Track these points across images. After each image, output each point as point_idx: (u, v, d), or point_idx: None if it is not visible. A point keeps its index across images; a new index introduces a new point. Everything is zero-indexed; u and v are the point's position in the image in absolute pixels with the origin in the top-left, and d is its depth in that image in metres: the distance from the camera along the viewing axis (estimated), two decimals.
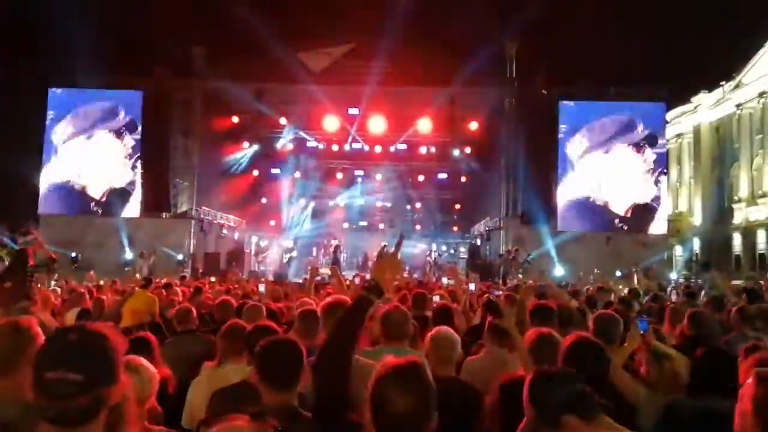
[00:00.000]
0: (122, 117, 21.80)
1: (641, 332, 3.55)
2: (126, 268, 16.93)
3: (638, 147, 21.75)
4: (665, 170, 22.95)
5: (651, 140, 21.81)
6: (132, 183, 21.69)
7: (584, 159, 21.76)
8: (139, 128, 21.69)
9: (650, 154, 21.82)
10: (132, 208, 21.61)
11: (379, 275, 2.22)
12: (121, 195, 21.63)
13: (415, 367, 1.83)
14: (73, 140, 21.89)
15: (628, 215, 21.63)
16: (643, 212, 21.68)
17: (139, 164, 21.69)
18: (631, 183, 21.75)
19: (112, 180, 21.71)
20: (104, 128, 21.82)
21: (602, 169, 21.72)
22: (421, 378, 1.82)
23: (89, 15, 20.34)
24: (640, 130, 21.71)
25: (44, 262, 7.44)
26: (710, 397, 2.73)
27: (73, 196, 21.72)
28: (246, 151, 25.48)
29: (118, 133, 21.79)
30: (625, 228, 21.52)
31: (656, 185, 21.88)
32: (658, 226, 21.89)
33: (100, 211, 21.60)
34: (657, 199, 21.88)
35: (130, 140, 21.73)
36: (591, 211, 21.65)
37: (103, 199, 21.67)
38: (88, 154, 21.76)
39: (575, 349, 2.77)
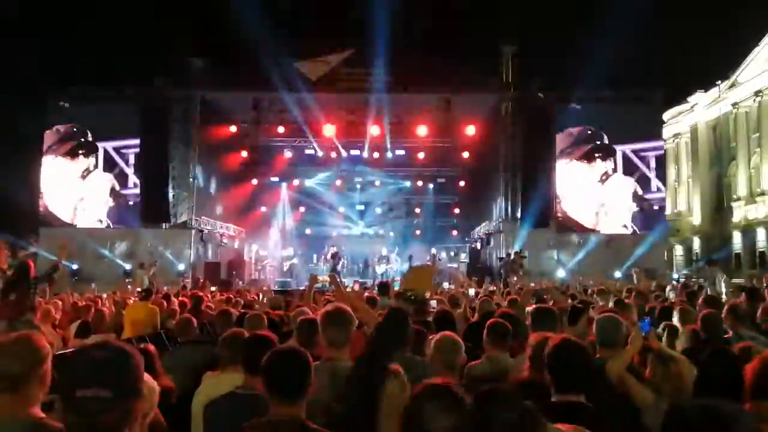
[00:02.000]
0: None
1: (643, 334, 3.55)
2: (127, 280, 16.90)
3: (588, 158, 21.77)
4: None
5: (603, 152, 21.79)
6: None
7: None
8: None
9: (601, 165, 21.85)
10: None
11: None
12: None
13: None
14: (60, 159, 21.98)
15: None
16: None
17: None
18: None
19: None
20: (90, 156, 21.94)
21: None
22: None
23: (88, 26, 20.43)
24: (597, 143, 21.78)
25: (46, 273, 7.42)
26: (717, 398, 2.73)
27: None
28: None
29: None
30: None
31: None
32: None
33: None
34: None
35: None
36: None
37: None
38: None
39: (558, 351, 2.79)
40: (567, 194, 21.87)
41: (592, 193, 21.82)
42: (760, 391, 2.59)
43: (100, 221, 21.72)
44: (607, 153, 21.87)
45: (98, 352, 1.54)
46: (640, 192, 21.90)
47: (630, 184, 21.88)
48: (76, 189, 21.82)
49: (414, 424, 1.76)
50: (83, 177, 21.91)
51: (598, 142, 21.84)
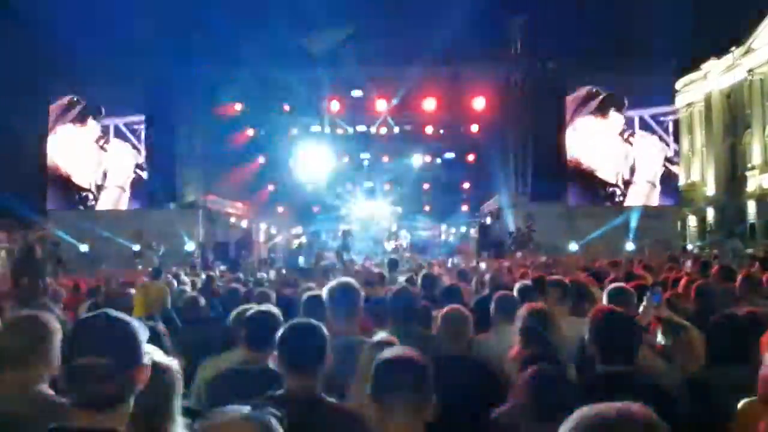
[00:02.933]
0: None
1: (654, 304, 3.50)
2: (136, 260, 17.04)
3: (601, 113, 21.34)
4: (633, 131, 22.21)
5: (614, 103, 21.39)
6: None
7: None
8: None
9: (616, 116, 21.43)
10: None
11: None
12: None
13: (408, 355, 1.96)
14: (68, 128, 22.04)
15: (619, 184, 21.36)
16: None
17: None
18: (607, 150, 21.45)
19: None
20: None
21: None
22: (417, 364, 1.92)
23: (86, 6, 20.20)
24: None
25: (50, 253, 7.48)
26: (729, 366, 2.69)
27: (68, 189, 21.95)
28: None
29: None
30: (623, 198, 21.29)
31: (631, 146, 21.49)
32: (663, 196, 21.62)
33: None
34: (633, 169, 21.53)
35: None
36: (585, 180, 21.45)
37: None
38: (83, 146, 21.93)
39: (603, 321, 2.72)
40: (586, 153, 21.49)
41: (614, 148, 21.45)
42: None
43: (123, 189, 21.75)
44: (620, 104, 21.52)
45: (97, 321, 1.54)
46: (669, 154, 21.60)
47: (656, 143, 21.52)
48: (95, 157, 21.84)
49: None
50: (101, 147, 21.91)
51: (607, 95, 21.52)
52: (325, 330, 2.40)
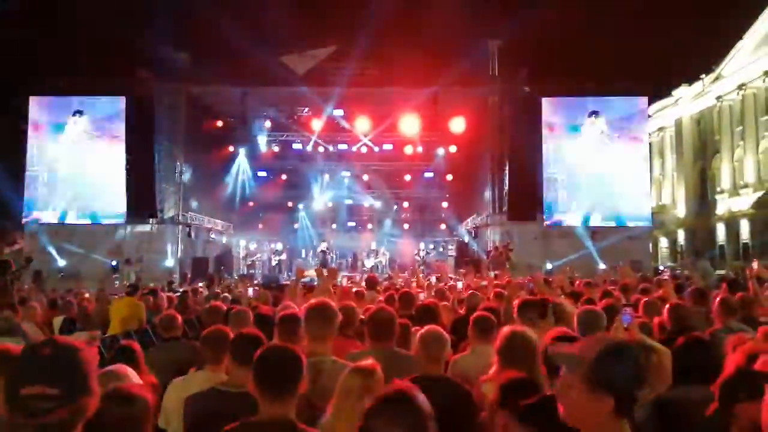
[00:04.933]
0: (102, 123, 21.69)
1: (624, 325, 3.59)
2: (114, 275, 16.78)
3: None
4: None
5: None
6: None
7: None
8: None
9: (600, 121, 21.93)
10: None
11: None
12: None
13: (406, 396, 1.71)
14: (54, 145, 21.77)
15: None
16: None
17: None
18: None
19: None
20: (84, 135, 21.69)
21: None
22: (414, 407, 1.70)
23: (71, 20, 20.15)
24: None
25: (21, 267, 7.35)
26: (695, 387, 2.77)
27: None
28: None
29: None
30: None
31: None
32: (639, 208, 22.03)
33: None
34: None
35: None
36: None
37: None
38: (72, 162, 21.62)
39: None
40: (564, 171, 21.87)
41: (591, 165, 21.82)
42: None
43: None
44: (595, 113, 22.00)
45: (44, 349, 1.47)
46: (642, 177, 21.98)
47: (630, 164, 21.89)
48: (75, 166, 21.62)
49: None
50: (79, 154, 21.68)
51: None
52: (300, 354, 2.40)
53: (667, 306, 4.79)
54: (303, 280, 8.41)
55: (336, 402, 2.45)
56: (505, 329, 3.19)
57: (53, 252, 19.39)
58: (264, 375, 2.29)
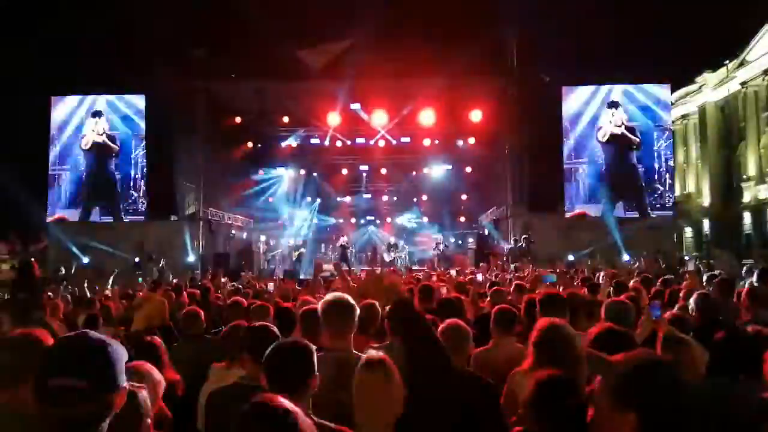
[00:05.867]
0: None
1: (653, 319, 3.51)
2: (137, 272, 17.00)
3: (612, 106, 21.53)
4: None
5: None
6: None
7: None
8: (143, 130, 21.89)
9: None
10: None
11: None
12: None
13: (269, 409, 1.61)
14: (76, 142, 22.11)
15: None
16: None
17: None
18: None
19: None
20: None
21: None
22: (277, 420, 1.59)
23: (89, 18, 20.37)
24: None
25: (56, 274, 7.48)
26: (726, 379, 2.70)
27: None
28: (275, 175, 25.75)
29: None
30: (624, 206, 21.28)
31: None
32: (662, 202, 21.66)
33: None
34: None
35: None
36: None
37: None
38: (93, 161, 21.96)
39: (602, 339, 2.71)
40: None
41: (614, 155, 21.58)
42: None
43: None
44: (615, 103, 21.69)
45: (75, 342, 1.49)
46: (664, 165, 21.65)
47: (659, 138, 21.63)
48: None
49: None
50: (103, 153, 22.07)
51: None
52: (312, 349, 2.39)
53: (695, 297, 4.69)
54: (322, 274, 8.39)
55: (354, 398, 2.45)
56: (543, 320, 3.12)
57: (76, 250, 19.71)
58: (273, 372, 2.29)
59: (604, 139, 21.45)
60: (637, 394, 1.52)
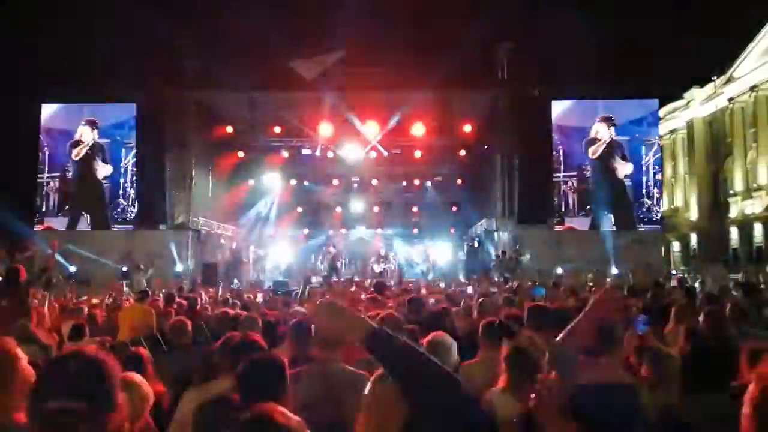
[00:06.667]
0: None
1: (639, 333, 3.55)
2: (124, 282, 16.85)
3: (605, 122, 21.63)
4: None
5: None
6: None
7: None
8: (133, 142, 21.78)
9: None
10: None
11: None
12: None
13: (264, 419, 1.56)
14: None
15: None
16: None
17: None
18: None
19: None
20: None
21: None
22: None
23: (81, 28, 20.36)
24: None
25: (38, 276, 7.37)
26: (705, 393, 2.73)
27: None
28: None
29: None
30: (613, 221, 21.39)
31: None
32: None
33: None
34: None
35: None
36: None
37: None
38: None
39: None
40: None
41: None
42: None
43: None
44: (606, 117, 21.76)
45: (72, 362, 1.48)
46: (652, 179, 21.81)
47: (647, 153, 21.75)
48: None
49: None
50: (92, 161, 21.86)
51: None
52: (284, 364, 2.37)
53: (704, 313, 4.70)
54: (311, 285, 8.38)
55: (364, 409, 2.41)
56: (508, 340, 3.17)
57: (63, 259, 19.51)
58: (245, 386, 2.28)
59: (594, 157, 21.61)
60: (583, 413, 1.70)
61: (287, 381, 2.33)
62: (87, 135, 21.93)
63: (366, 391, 2.41)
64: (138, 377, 2.58)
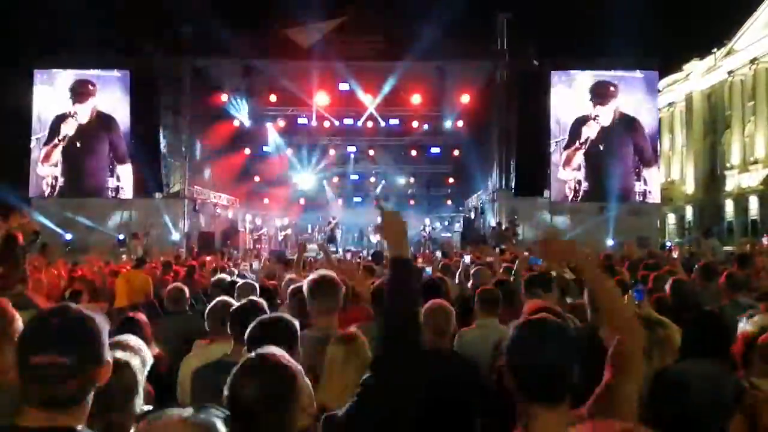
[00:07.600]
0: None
1: (636, 302, 3.57)
2: (120, 249, 16.88)
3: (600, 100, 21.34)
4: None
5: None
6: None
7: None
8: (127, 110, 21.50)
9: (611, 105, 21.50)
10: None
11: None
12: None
13: (265, 361, 1.75)
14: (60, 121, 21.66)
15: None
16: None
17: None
18: None
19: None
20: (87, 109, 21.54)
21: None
22: (272, 369, 1.73)
23: None
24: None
25: (30, 242, 7.33)
26: (701, 361, 2.75)
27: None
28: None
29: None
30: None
31: None
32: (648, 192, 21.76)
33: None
34: None
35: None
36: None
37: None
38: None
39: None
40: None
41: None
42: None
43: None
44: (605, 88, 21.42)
45: (57, 317, 1.47)
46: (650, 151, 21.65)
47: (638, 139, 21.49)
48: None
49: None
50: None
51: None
52: (295, 324, 2.40)
53: (669, 281, 4.79)
54: (306, 255, 8.38)
55: (325, 372, 2.53)
56: (529, 306, 3.18)
57: (57, 227, 19.46)
58: (257, 346, 2.29)
59: (593, 128, 21.48)
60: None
61: (298, 342, 2.35)
62: (80, 103, 21.65)
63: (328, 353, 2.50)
64: (139, 341, 2.59)
